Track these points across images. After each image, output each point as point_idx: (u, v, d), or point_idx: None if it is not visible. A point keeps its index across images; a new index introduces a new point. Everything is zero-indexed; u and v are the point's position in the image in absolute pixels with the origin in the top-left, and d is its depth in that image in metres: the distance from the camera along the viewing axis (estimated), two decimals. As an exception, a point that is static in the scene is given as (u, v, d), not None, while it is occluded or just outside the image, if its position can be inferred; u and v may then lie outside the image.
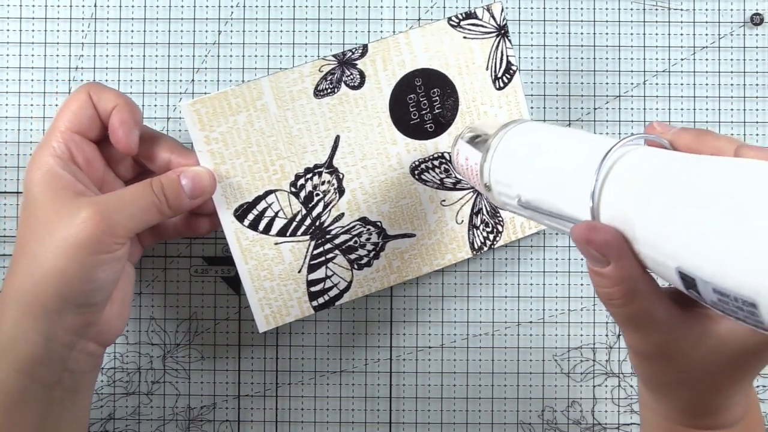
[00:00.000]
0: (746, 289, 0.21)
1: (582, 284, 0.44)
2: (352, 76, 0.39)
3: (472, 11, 0.40)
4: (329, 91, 0.39)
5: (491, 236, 0.42)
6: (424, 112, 0.40)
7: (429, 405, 0.45)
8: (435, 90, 0.40)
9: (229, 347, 0.45)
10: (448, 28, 0.40)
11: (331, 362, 0.45)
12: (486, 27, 0.40)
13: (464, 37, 0.40)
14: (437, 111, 0.40)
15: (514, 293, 0.45)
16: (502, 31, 0.41)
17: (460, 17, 0.40)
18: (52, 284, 0.33)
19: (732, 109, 0.44)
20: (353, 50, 0.39)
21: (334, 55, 0.39)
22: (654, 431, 0.33)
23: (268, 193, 0.40)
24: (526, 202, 0.31)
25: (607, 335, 0.44)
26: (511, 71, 0.41)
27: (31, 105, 0.44)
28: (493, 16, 0.40)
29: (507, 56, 0.41)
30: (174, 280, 0.44)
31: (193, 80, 0.44)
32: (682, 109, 0.44)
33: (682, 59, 0.44)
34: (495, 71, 0.41)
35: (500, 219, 0.42)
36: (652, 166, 0.26)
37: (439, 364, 0.45)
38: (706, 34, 0.44)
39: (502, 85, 0.41)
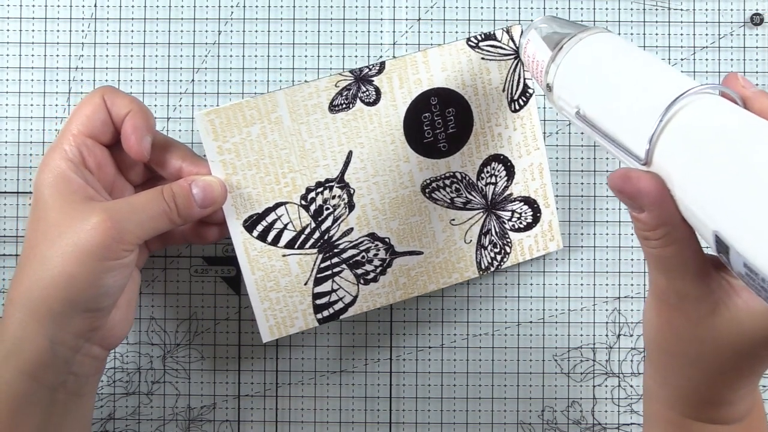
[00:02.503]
0: None
1: (582, 284, 0.45)
2: (367, 93, 0.39)
3: (492, 33, 0.40)
4: (344, 106, 0.39)
5: (499, 257, 0.42)
6: (438, 131, 0.40)
7: (429, 405, 0.45)
8: (450, 109, 0.40)
9: (229, 347, 0.45)
10: (466, 48, 0.40)
11: (331, 362, 0.45)
12: (504, 49, 0.40)
13: (482, 58, 0.40)
14: (451, 131, 0.40)
15: (514, 293, 0.45)
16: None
17: (479, 38, 0.40)
18: (61, 288, 0.33)
19: (732, 110, 0.44)
20: (370, 66, 0.39)
21: (350, 71, 0.39)
22: (657, 424, 0.33)
23: (278, 205, 0.40)
24: (584, 116, 0.31)
25: (607, 335, 0.45)
26: (527, 94, 0.41)
27: (31, 105, 0.44)
28: (512, 39, 0.40)
29: (524, 79, 0.41)
30: (174, 280, 0.44)
31: (193, 80, 0.44)
32: (682, 110, 0.44)
33: (682, 59, 0.44)
34: (511, 93, 0.41)
35: (508, 240, 0.42)
36: (716, 123, 0.26)
37: (439, 364, 0.45)
38: (706, 34, 0.44)
39: (517, 107, 0.41)
